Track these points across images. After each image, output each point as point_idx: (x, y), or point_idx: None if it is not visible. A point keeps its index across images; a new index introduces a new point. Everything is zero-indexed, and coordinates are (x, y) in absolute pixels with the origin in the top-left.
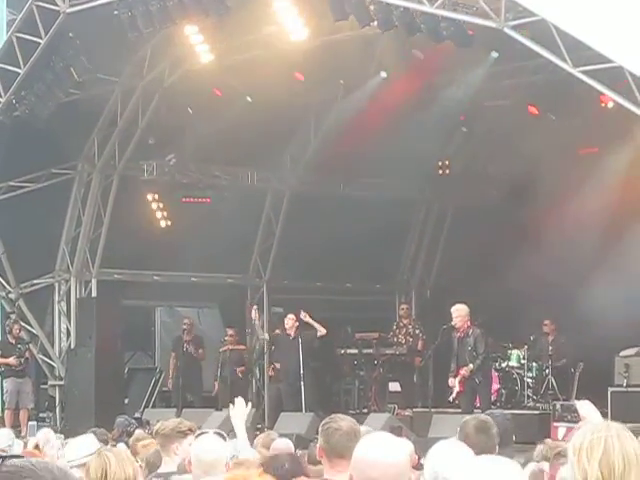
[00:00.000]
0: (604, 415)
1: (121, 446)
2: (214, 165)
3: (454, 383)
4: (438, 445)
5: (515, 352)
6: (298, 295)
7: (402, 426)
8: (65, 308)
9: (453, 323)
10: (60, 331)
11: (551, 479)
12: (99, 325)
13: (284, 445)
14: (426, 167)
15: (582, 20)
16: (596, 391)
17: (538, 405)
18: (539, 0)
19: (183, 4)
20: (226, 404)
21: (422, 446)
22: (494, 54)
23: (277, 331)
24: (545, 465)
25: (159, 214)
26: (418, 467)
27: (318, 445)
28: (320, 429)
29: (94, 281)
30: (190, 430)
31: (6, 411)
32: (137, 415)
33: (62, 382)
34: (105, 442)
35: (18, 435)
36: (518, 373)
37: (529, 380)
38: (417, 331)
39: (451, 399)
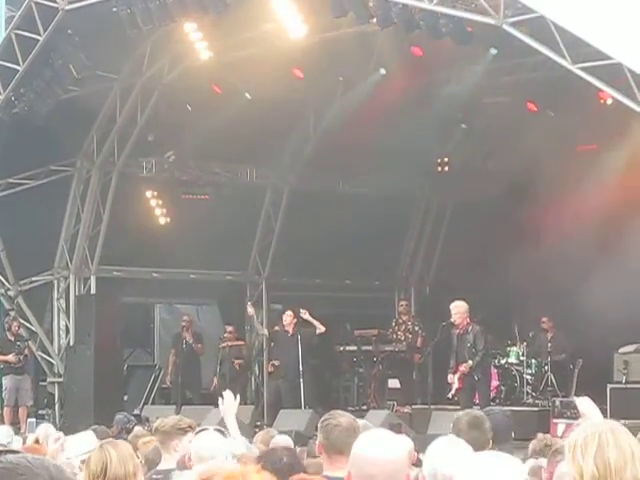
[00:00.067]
0: (603, 412)
1: None
2: (213, 162)
3: (453, 380)
4: (437, 442)
5: (514, 349)
6: (297, 292)
7: (401, 423)
8: (64, 305)
9: (452, 320)
10: (59, 328)
11: (549, 476)
12: (98, 322)
13: (283, 442)
14: (425, 164)
15: (581, 17)
16: (595, 388)
17: (537, 402)
18: None
19: (182, 1)
20: None
21: (421, 443)
22: (493, 51)
23: (276, 328)
24: (543, 462)
25: (158, 211)
26: (417, 464)
27: (317, 441)
28: (319, 425)
29: (93, 278)
30: (190, 427)
31: (5, 408)
32: (136, 412)
33: (61, 379)
34: None
35: (17, 432)
36: (517, 370)
37: (528, 377)
38: (416, 328)
39: (450, 396)
